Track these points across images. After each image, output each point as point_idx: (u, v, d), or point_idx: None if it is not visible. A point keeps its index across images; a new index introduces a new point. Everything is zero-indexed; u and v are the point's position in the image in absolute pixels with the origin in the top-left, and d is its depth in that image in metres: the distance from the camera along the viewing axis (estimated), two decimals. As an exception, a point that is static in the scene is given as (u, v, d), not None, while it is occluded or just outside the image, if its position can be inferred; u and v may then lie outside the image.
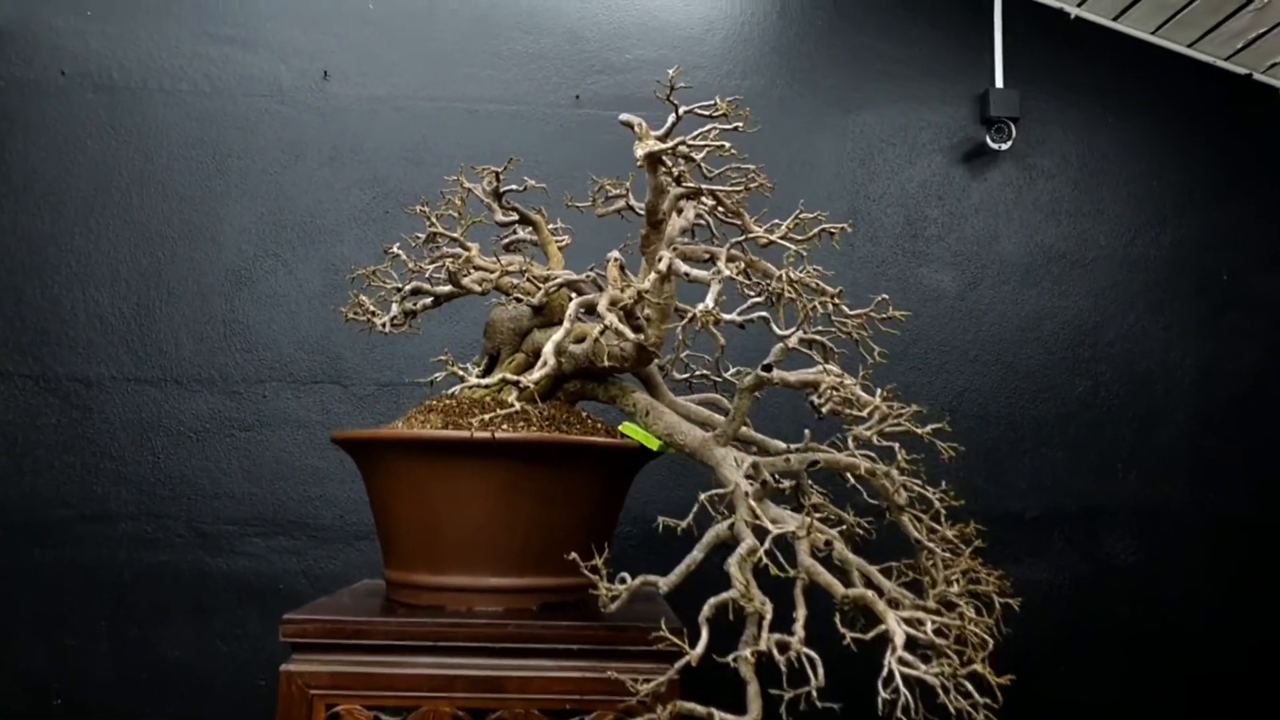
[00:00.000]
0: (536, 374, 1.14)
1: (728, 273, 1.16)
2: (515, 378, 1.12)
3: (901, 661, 1.02)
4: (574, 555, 1.19)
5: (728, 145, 1.24)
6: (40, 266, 2.40)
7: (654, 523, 1.22)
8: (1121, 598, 2.56)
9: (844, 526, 1.52)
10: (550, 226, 1.73)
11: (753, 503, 1.20)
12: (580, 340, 1.46)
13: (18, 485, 2.32)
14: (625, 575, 1.21)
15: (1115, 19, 2.76)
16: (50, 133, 2.43)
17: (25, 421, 2.34)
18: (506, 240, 1.68)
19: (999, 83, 2.67)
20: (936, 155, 2.69)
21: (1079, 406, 2.62)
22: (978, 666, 1.06)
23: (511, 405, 1.12)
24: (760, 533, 1.15)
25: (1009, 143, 2.63)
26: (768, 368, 1.29)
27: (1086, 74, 2.74)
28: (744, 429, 1.50)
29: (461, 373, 1.12)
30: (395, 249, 1.52)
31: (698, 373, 1.71)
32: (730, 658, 1.09)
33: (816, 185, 2.63)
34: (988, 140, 2.63)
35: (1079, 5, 2.75)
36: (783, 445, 1.50)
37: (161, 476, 2.37)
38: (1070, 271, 2.68)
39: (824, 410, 1.19)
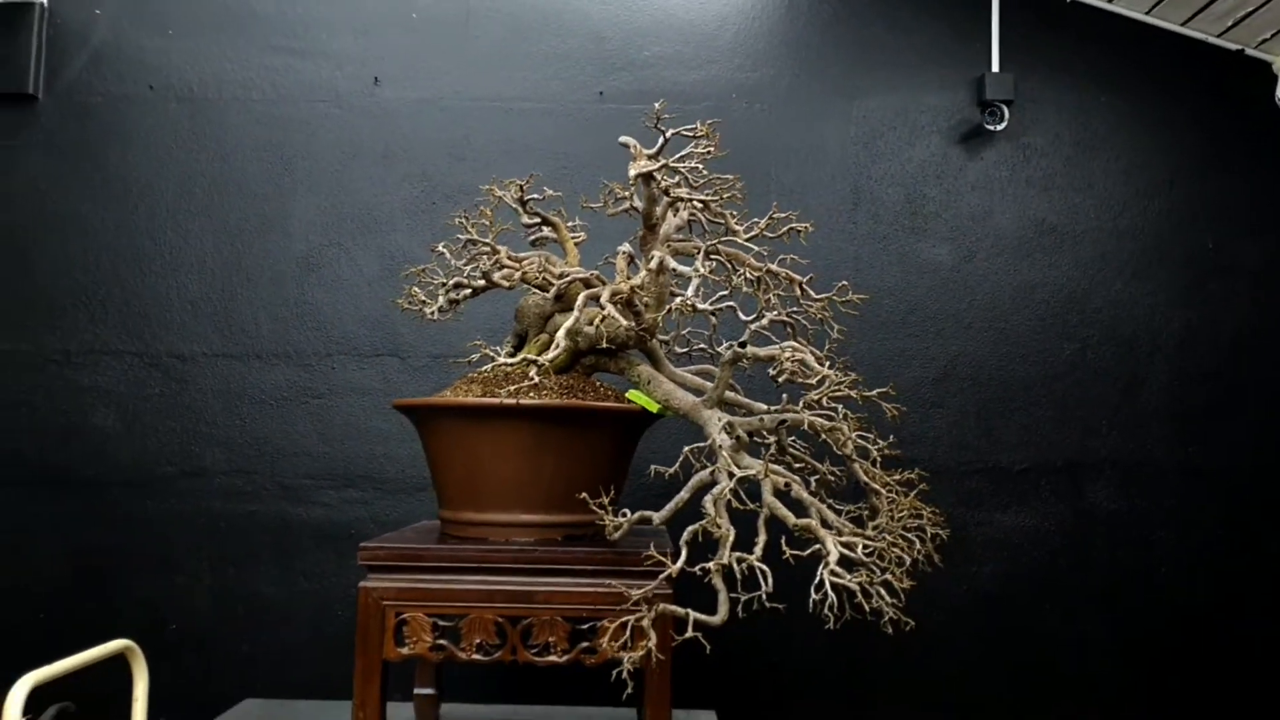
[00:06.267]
0: (550, 354, 1.45)
1: (703, 271, 1.45)
2: (534, 357, 1.43)
3: (832, 572, 1.31)
4: (584, 495, 1.50)
5: (701, 168, 1.52)
6: (138, 259, 2.76)
7: (660, 474, 1.52)
8: (1103, 543, 2.78)
9: (818, 475, 1.81)
10: (570, 223, 2.02)
11: (728, 453, 1.50)
12: (593, 323, 1.76)
13: (129, 447, 2.71)
14: (626, 510, 1.52)
15: (1110, 1, 2.90)
16: (142, 141, 2.78)
17: (134, 392, 2.72)
18: (533, 238, 1.98)
19: (995, 67, 2.85)
20: (935, 137, 2.88)
21: (1066, 368, 2.82)
22: (889, 576, 1.35)
23: (531, 379, 1.43)
24: (733, 477, 1.45)
25: (1003, 124, 2.81)
26: (743, 344, 1.58)
27: (1080, 56, 2.89)
28: (733, 395, 1.79)
29: (491, 353, 1.43)
30: (441, 248, 1.83)
31: (697, 347, 2.01)
32: (699, 568, 1.39)
33: (822, 168, 2.86)
34: (983, 122, 2.83)
35: (1073, -10, 2.90)
36: (764, 407, 1.79)
37: (248, 438, 2.73)
38: (1061, 244, 2.86)
39: (780, 379, 1.48)
